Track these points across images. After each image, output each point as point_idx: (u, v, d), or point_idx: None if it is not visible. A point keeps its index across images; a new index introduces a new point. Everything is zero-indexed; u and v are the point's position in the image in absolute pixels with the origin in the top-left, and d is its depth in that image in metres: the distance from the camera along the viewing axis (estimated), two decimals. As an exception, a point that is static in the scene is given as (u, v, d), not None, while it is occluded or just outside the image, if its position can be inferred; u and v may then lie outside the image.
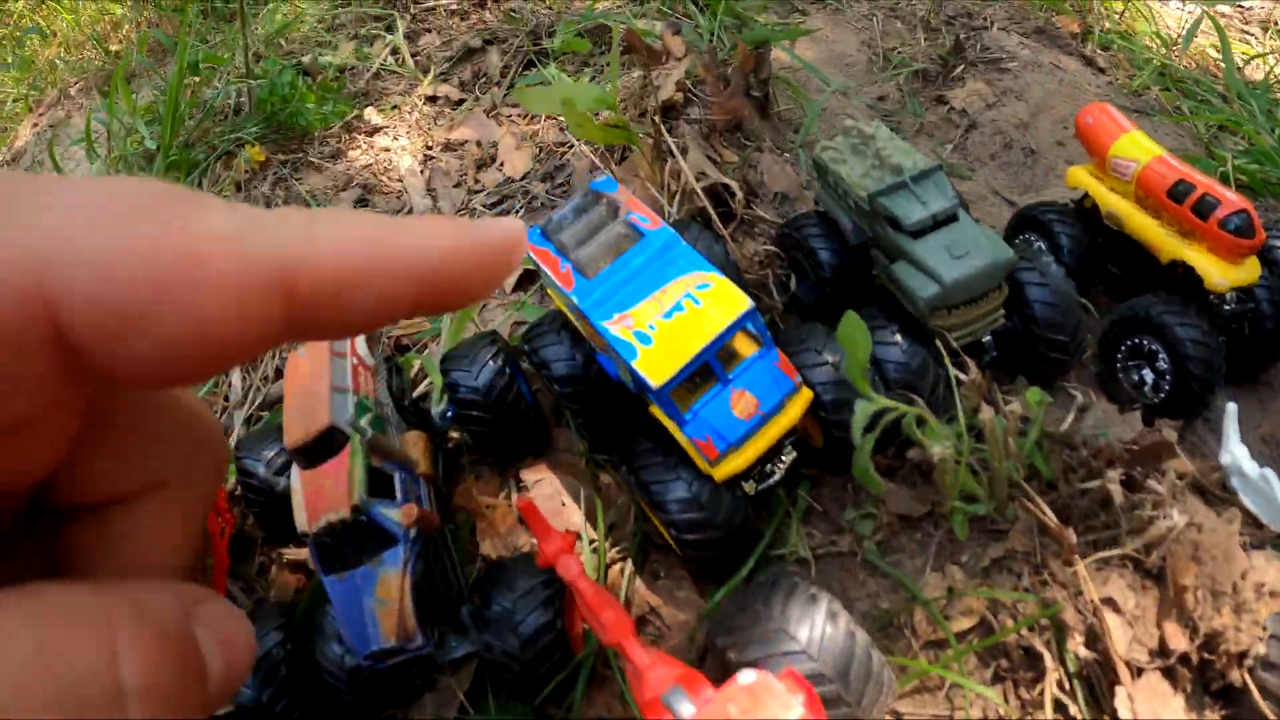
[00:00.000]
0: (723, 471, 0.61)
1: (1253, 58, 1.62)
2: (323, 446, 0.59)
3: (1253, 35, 1.95)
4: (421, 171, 1.41)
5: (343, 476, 0.57)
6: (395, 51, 1.76)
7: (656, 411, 0.62)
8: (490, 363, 0.71)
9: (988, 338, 0.80)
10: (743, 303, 0.61)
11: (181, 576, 0.22)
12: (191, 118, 1.55)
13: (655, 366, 0.58)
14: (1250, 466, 0.73)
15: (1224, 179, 1.26)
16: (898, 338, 0.73)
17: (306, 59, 1.73)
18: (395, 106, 1.57)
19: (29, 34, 2.37)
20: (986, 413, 0.69)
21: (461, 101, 1.56)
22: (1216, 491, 0.76)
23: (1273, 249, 0.91)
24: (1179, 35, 1.74)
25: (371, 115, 1.55)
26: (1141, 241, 0.86)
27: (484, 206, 1.32)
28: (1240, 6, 2.06)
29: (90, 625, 0.16)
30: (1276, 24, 2.01)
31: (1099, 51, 1.58)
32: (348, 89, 1.63)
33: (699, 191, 0.90)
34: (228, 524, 0.72)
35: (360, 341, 0.68)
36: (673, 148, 0.94)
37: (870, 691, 0.51)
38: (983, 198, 1.15)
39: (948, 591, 0.69)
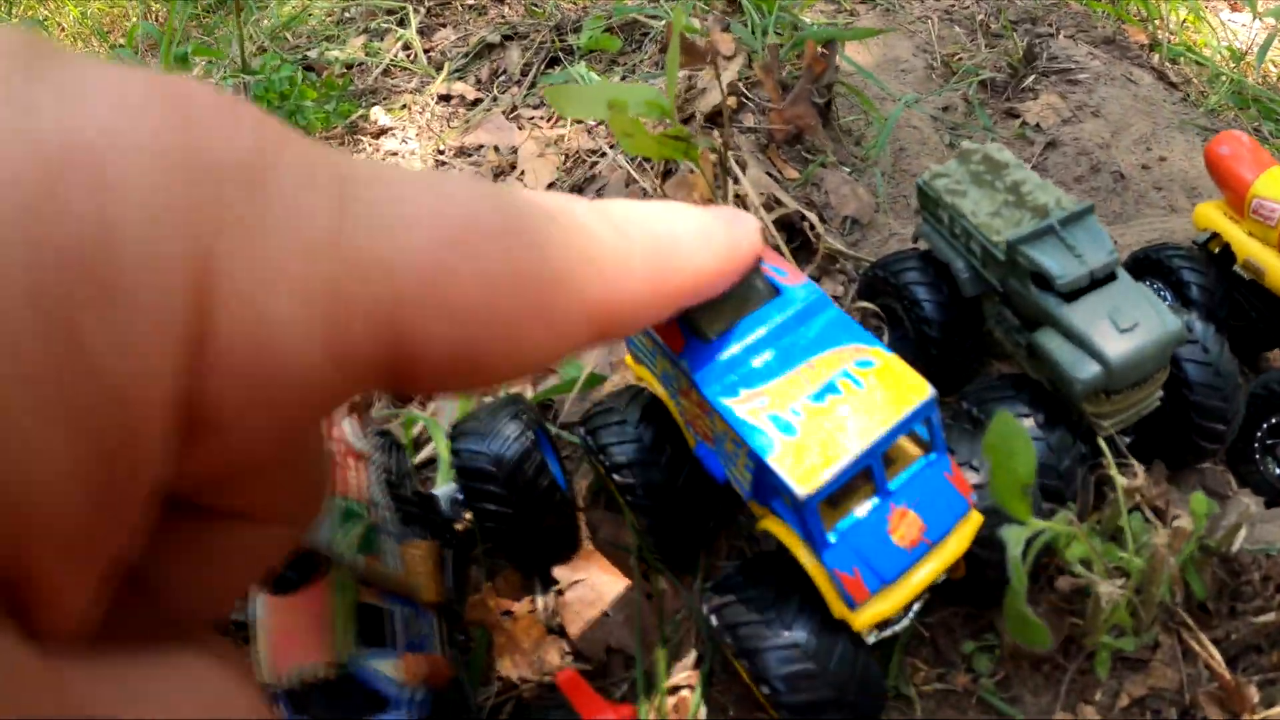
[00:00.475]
0: (865, 618, 0.44)
1: (1335, 75, 1.47)
2: (298, 567, 0.43)
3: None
4: (432, 178, 1.26)
5: (319, 614, 0.41)
6: (407, 47, 1.60)
7: (774, 525, 0.46)
8: (512, 437, 0.55)
9: None
10: (922, 390, 0.42)
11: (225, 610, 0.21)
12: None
13: (803, 467, 0.40)
14: None
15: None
16: (1041, 430, 0.57)
17: (313, 54, 1.58)
18: (405, 106, 1.40)
19: (31, 26, 2.24)
20: (1159, 536, 0.53)
21: (478, 101, 1.40)
22: None
23: None
24: (1248, 48, 1.59)
25: (379, 115, 1.38)
26: None
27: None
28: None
29: None
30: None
31: (1169, 65, 1.43)
32: (354, 86, 1.48)
33: (767, 221, 0.75)
34: None
35: (347, 421, 0.53)
36: (734, 166, 0.79)
37: None
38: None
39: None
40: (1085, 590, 0.55)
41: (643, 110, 0.65)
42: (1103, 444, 0.56)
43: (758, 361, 0.40)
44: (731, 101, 1.02)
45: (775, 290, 0.40)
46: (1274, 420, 0.67)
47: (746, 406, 0.41)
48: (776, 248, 0.75)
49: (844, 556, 0.43)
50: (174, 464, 0.15)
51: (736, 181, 0.77)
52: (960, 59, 1.32)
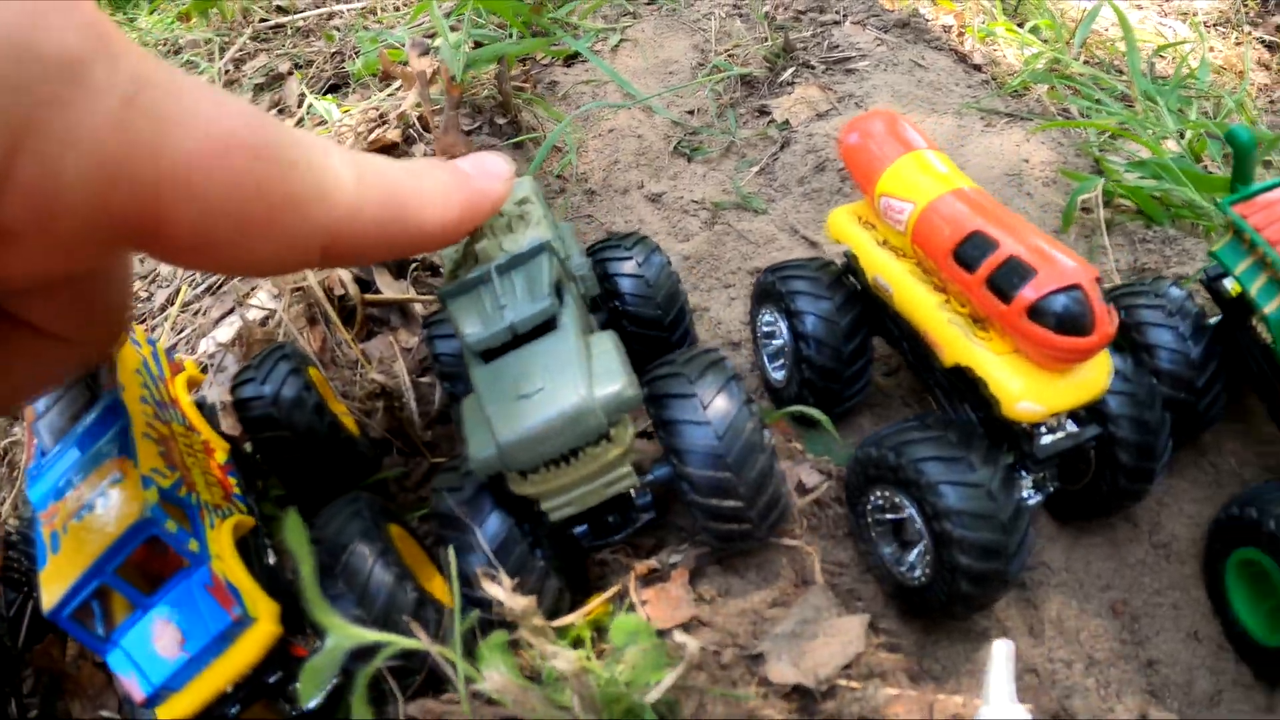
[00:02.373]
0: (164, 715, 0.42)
1: (1163, 48, 1.28)
2: None
3: (1170, 29, 1.61)
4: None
5: None
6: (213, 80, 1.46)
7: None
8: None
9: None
10: (138, 510, 0.41)
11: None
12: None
13: (52, 585, 0.41)
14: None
15: (1107, 199, 0.93)
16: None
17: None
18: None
19: None
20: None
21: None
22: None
23: (1142, 324, 0.58)
24: (1076, 25, 1.41)
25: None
26: (915, 328, 0.53)
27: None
28: (1163, -4, 1.73)
29: None
30: (1197, 13, 1.67)
31: (978, 47, 1.25)
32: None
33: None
34: None
35: None
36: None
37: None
38: (771, 239, 0.82)
39: None
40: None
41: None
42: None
43: (71, 469, 0.44)
44: (395, 135, 0.86)
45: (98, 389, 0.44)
46: (880, 493, 0.50)
47: (49, 521, 0.43)
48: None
49: (121, 662, 0.43)
50: None
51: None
52: (732, 55, 1.15)
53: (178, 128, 0.21)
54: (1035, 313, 0.42)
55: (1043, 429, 0.47)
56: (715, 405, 0.45)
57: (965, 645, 0.51)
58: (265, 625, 0.43)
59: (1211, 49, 1.58)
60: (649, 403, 0.47)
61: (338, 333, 0.80)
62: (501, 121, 0.93)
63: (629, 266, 0.63)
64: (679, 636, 0.42)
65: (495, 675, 0.40)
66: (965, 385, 0.49)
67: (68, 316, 0.24)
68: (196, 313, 1.00)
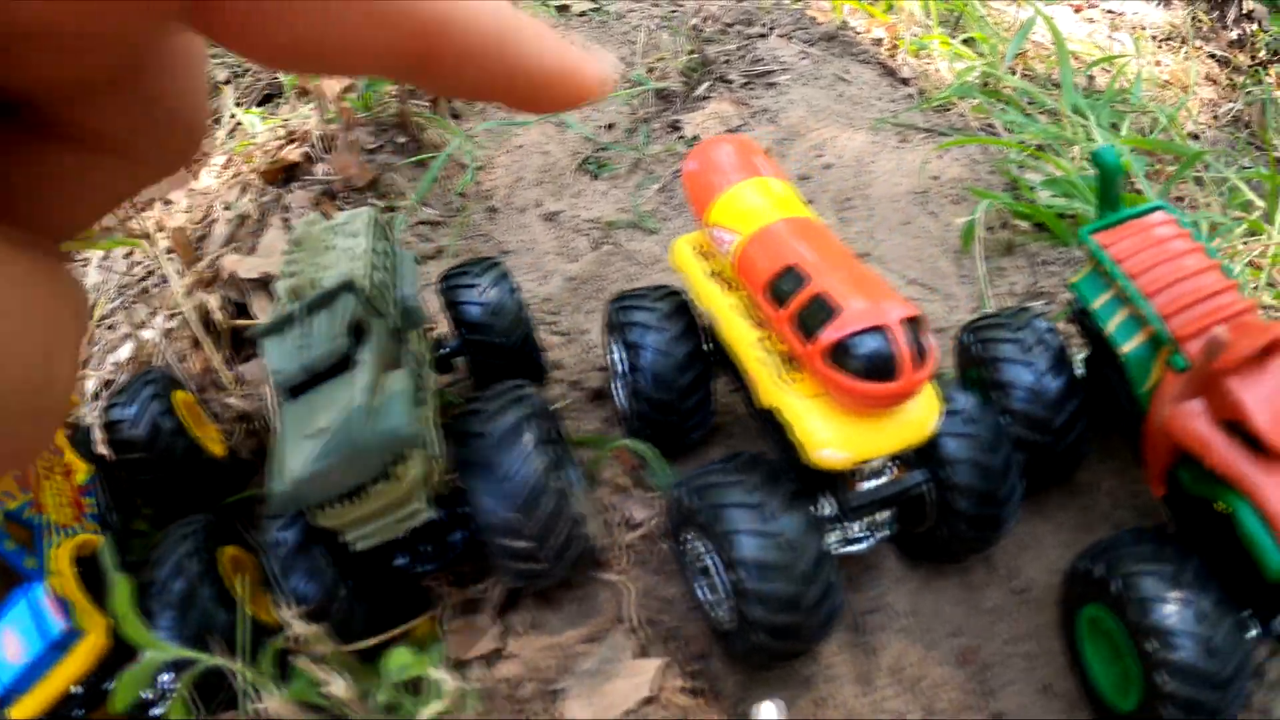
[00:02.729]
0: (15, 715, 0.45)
1: (1098, 61, 1.26)
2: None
3: (1120, 44, 1.58)
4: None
5: None
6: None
7: None
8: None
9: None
10: None
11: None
12: None
13: None
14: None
15: (1020, 218, 0.90)
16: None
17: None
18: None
19: None
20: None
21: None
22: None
23: (997, 360, 0.55)
24: (1035, 40, 1.38)
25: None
26: (737, 365, 0.50)
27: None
28: (1110, 11, 1.70)
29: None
30: (1145, 28, 1.65)
31: (909, 60, 1.23)
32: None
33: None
34: None
35: None
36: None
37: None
38: (656, 260, 0.79)
39: None
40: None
41: None
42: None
43: None
44: (297, 155, 0.83)
45: None
46: (687, 535, 0.47)
47: None
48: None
49: None
50: None
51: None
52: (654, 69, 1.12)
53: None
54: (835, 354, 0.40)
55: (858, 475, 0.44)
56: (505, 444, 0.43)
57: (786, 691, 0.48)
58: (95, 638, 0.46)
59: (1158, 63, 1.56)
60: (449, 439, 0.46)
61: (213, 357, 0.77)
62: (403, 140, 0.90)
63: (474, 294, 0.62)
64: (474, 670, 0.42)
65: (273, 698, 0.44)
66: (776, 427, 0.46)
67: (131, 122, 0.19)
68: (111, 327, 0.97)
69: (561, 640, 0.51)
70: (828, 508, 0.47)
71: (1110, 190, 0.56)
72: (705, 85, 1.04)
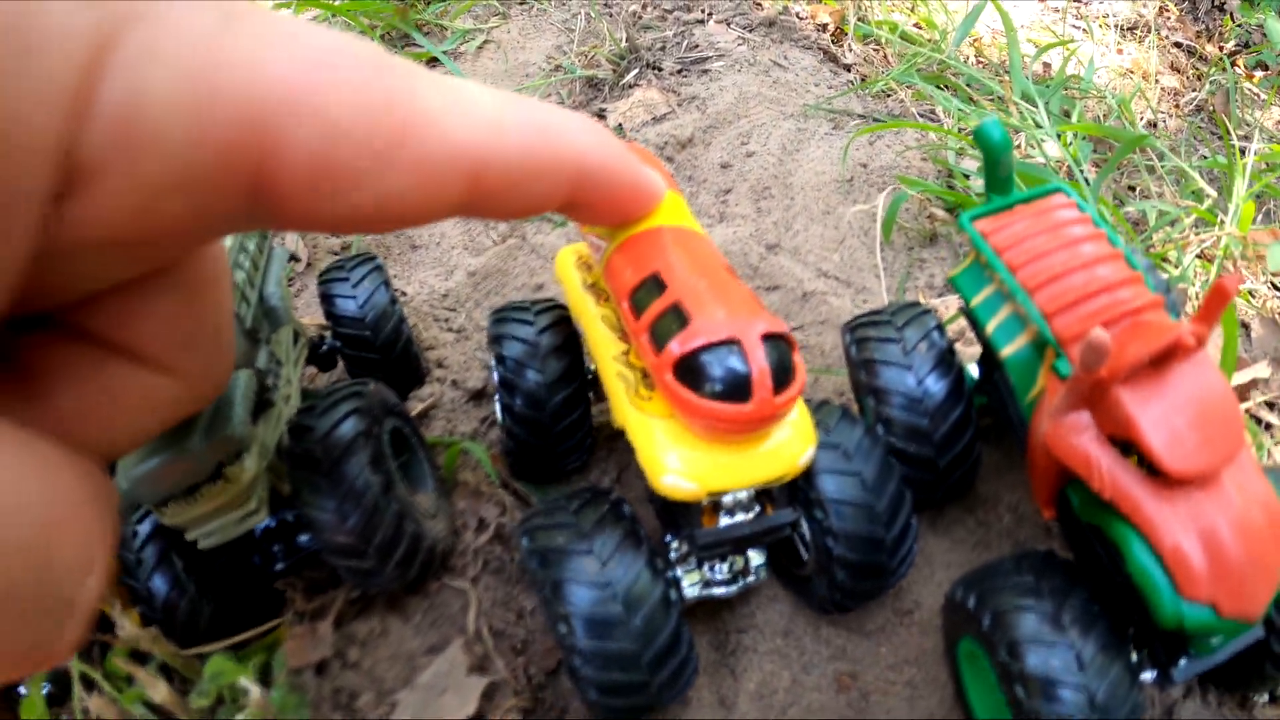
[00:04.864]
0: None
1: (1048, 46, 1.19)
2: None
3: (1081, 29, 1.51)
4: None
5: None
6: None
7: None
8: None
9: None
10: None
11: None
12: None
13: None
14: None
15: (948, 210, 0.84)
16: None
17: None
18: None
19: None
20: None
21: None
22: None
23: (872, 363, 0.48)
24: (995, 28, 1.32)
25: None
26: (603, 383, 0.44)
27: None
28: (1077, 1, 1.63)
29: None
30: (1110, 16, 1.57)
31: (854, 46, 1.16)
32: None
33: None
34: None
35: None
36: None
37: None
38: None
39: None
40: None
41: None
42: None
43: None
44: None
45: None
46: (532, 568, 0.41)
47: None
48: None
49: None
50: (49, 225, 0.15)
51: None
52: (587, 57, 1.06)
53: (281, 40, 0.17)
54: (681, 369, 0.33)
55: (721, 511, 0.38)
56: (330, 446, 0.39)
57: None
58: None
59: (1120, 51, 1.49)
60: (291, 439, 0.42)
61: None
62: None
63: (344, 289, 0.56)
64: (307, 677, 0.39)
65: (95, 698, 0.43)
66: (629, 451, 0.40)
67: (164, 335, 0.20)
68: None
69: (409, 649, 0.47)
70: (686, 547, 0.41)
71: (995, 171, 0.49)
72: (634, 73, 0.98)
